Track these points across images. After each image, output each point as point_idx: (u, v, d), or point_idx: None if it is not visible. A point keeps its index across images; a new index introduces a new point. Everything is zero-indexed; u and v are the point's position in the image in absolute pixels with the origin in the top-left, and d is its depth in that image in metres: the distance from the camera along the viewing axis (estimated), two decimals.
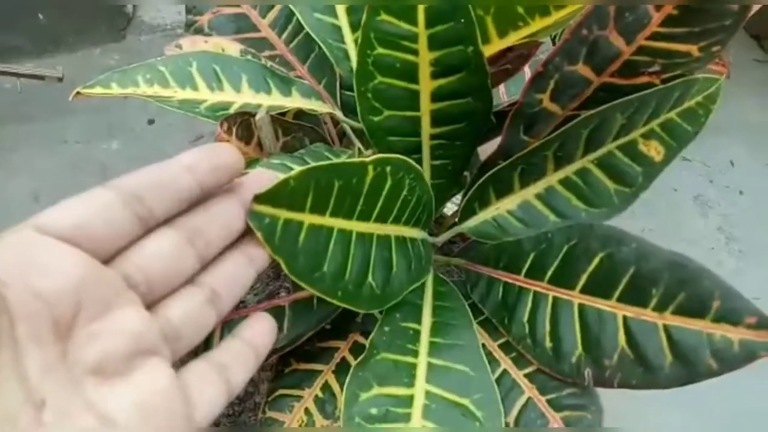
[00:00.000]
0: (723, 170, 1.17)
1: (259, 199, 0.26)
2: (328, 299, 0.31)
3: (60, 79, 1.12)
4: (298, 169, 0.27)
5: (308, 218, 0.29)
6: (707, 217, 1.12)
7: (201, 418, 0.24)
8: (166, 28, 1.38)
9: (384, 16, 0.37)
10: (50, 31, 1.29)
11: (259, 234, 0.26)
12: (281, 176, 0.26)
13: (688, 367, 0.33)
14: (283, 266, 0.27)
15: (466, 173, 0.48)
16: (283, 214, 0.27)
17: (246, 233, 0.27)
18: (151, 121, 1.24)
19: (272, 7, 0.52)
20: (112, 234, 0.22)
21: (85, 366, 0.21)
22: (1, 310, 0.18)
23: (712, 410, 0.83)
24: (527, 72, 0.54)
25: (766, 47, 1.32)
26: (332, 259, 0.31)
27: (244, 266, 0.27)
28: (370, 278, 0.34)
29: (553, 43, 0.60)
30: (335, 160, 0.29)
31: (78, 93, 0.43)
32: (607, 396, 0.38)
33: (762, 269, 1.02)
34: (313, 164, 0.27)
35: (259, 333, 0.28)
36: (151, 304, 0.24)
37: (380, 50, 0.38)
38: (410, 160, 0.34)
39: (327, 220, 0.30)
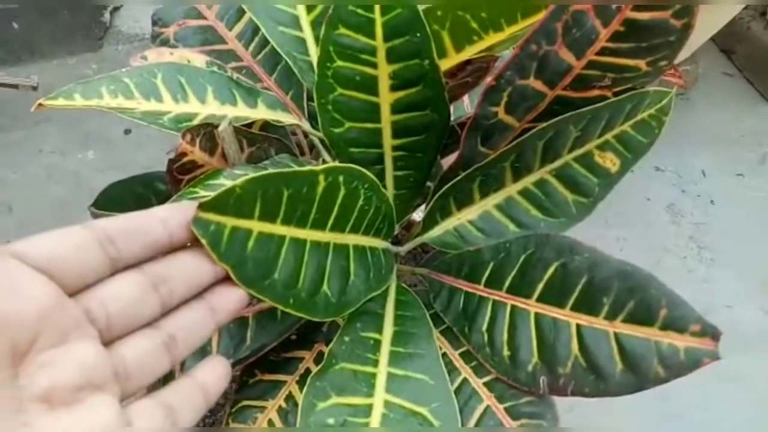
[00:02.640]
0: (695, 180, 1.19)
1: (204, 206, 0.26)
2: (280, 307, 0.31)
3: (35, 88, 1.11)
4: (243, 177, 0.27)
5: (257, 226, 0.29)
6: (679, 225, 1.13)
7: None
8: (144, 38, 1.37)
9: (342, 30, 0.38)
10: (25, 39, 1.28)
11: (203, 241, 0.26)
12: None
13: (637, 375, 0.33)
14: (230, 274, 0.27)
15: (429, 184, 0.49)
16: (230, 221, 0.27)
17: (213, 287, 0.28)
18: (127, 132, 1.23)
19: (239, 19, 0.52)
20: (83, 270, 0.23)
21: (33, 392, 0.21)
22: None
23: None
24: None
25: (735, 61, 1.35)
26: (284, 267, 0.31)
27: (206, 317, 0.28)
28: (325, 286, 0.34)
29: None
30: (283, 169, 0.29)
31: (40, 105, 0.43)
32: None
33: (732, 278, 1.03)
34: (260, 173, 0.28)
35: (213, 377, 0.28)
36: (108, 341, 0.25)
37: (339, 63, 0.39)
38: (364, 170, 0.35)
39: (278, 228, 0.30)
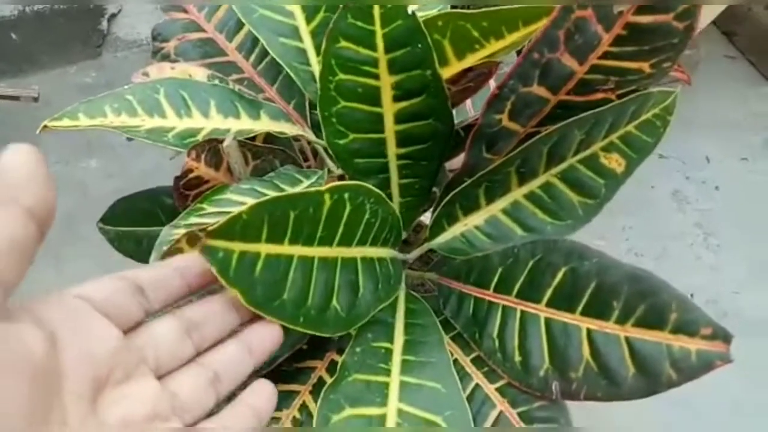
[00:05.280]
0: (699, 166, 1.19)
1: (211, 234, 0.26)
2: (290, 326, 0.31)
3: (36, 99, 1.11)
4: (249, 203, 0.27)
5: (265, 248, 0.29)
6: (685, 212, 1.13)
7: None
8: (141, 44, 1.37)
9: (343, 43, 0.38)
10: (24, 50, 1.28)
11: (213, 268, 0.26)
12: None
13: (649, 378, 0.34)
14: (240, 298, 0.28)
15: (435, 189, 0.49)
16: (238, 246, 0.28)
17: (249, 324, 0.30)
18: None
19: (239, 30, 0.52)
20: (127, 315, 0.26)
21: (111, 423, 0.23)
22: (55, 373, 0.21)
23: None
24: (492, 86, 0.55)
25: (736, 43, 1.34)
26: (292, 287, 0.31)
27: (244, 356, 0.30)
28: (334, 302, 0.34)
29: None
30: (288, 192, 0.30)
31: (45, 126, 0.43)
32: None
33: (739, 263, 1.03)
34: (264, 198, 0.28)
35: (263, 399, 0.30)
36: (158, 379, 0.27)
37: (341, 76, 0.39)
38: (368, 185, 0.35)
39: (285, 249, 0.31)
